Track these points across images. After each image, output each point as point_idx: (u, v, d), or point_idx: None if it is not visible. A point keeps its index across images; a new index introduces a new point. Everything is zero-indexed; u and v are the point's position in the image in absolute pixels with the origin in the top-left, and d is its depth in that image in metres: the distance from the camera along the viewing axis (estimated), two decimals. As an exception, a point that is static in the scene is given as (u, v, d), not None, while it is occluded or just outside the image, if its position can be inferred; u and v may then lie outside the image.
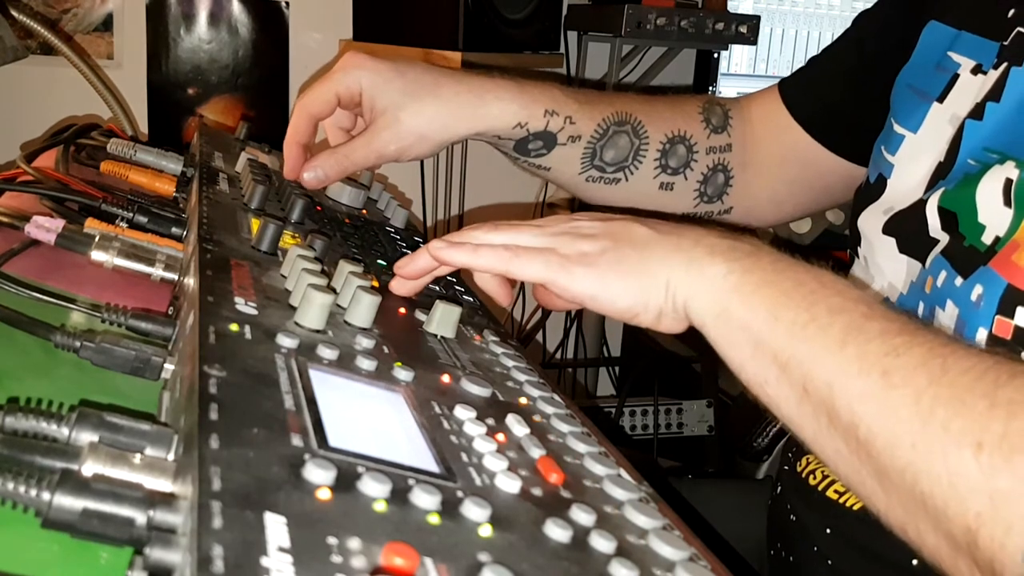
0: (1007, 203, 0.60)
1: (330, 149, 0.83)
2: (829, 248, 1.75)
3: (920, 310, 0.66)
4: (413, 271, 0.64)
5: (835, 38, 0.92)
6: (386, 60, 0.81)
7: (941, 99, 0.71)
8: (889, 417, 0.46)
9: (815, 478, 0.75)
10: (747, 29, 2.02)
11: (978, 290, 0.60)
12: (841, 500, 0.71)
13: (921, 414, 0.44)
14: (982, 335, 0.59)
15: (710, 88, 2.24)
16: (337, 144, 0.84)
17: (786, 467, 0.82)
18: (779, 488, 0.83)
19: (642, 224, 0.61)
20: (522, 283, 0.65)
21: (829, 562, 0.72)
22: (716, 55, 2.23)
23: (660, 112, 0.91)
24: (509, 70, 0.88)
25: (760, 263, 0.56)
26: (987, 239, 0.61)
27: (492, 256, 0.61)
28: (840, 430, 0.48)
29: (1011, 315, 0.58)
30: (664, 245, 0.59)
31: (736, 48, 2.24)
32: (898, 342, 0.47)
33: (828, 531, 0.73)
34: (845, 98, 0.87)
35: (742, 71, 2.29)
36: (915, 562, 0.62)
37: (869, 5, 0.88)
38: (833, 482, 0.73)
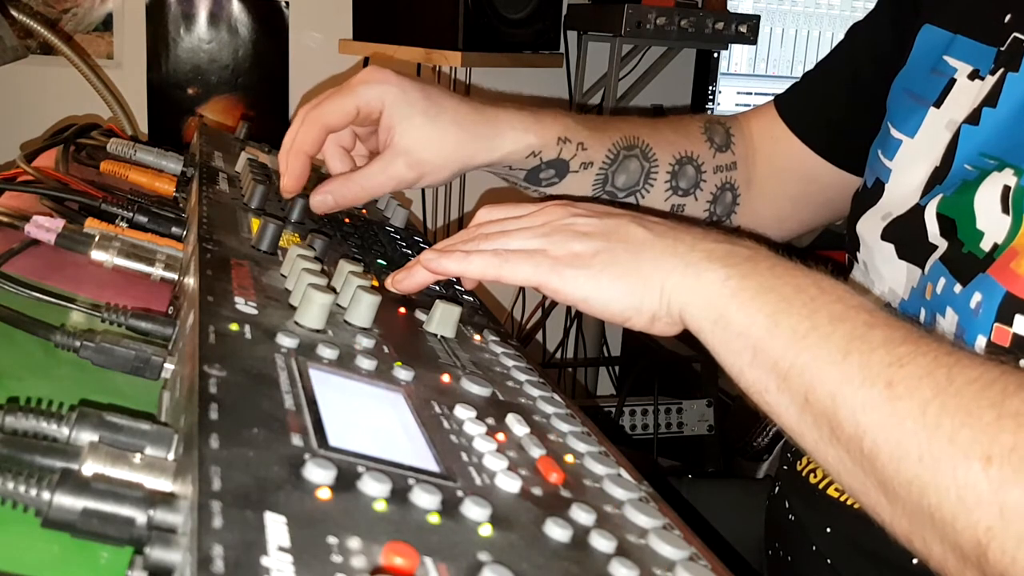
0: (1005, 210, 0.60)
1: (344, 175, 0.78)
2: (829, 249, 1.75)
3: (922, 316, 0.65)
4: (411, 286, 0.64)
5: (829, 52, 0.92)
6: (411, 79, 0.78)
7: (938, 104, 0.71)
8: (894, 429, 0.45)
9: (815, 476, 0.75)
10: (747, 29, 2.02)
11: (977, 297, 0.60)
12: (842, 499, 0.71)
13: (927, 426, 0.44)
14: (981, 343, 0.59)
15: (710, 87, 2.24)
16: (342, 168, 0.81)
17: (785, 466, 0.82)
18: (777, 488, 0.83)
19: (639, 224, 0.61)
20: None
21: (828, 561, 0.72)
22: (716, 55, 2.23)
23: (665, 135, 0.90)
24: (513, 96, 0.86)
25: (758, 268, 0.55)
26: (985, 246, 0.61)
27: (482, 263, 0.60)
28: (843, 441, 0.48)
29: (1009, 323, 0.57)
30: (659, 247, 0.58)
31: (736, 48, 2.23)
32: (902, 351, 0.47)
33: (828, 530, 0.72)
34: (843, 109, 0.87)
35: (742, 71, 2.29)
36: (915, 562, 0.62)
37: (869, 4, 0.88)
38: (833, 480, 0.73)
